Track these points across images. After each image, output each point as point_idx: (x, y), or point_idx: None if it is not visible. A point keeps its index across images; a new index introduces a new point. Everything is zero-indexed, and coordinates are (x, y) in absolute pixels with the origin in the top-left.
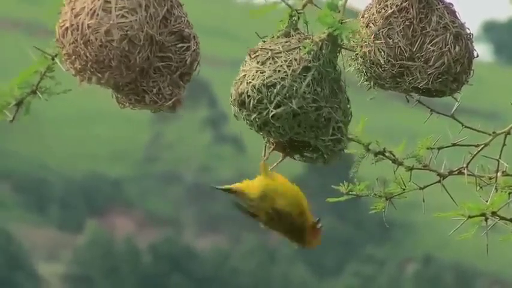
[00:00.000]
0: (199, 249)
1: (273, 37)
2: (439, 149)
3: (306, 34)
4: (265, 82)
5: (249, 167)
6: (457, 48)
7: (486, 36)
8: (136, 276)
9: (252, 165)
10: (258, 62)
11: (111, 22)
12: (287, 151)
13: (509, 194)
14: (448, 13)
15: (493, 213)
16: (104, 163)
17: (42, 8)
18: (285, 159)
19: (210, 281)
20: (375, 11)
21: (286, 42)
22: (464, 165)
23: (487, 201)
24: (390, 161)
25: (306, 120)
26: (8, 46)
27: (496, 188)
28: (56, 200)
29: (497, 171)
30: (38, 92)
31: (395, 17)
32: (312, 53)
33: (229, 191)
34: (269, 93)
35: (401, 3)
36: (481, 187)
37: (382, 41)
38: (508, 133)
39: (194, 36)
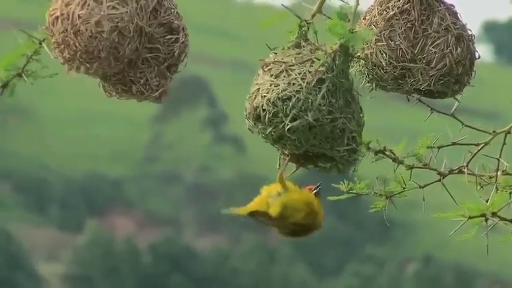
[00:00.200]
0: (199, 249)
1: (284, 48)
2: (439, 147)
3: (317, 44)
4: (280, 95)
5: (250, 167)
6: (459, 49)
7: (486, 37)
8: (137, 276)
9: (253, 165)
10: (271, 75)
11: (101, 13)
12: (301, 162)
13: (509, 193)
14: (449, 15)
15: (493, 214)
16: (104, 163)
17: (42, 8)
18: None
19: (210, 281)
20: (376, 13)
21: (298, 54)
22: (465, 164)
23: (487, 201)
24: (390, 160)
25: (322, 132)
26: (8, 46)
27: (496, 188)
28: (56, 200)
29: (497, 170)
30: (23, 75)
31: (397, 19)
32: (326, 64)
33: (248, 214)
34: (284, 107)
35: (402, 5)
36: (481, 186)
37: (384, 43)
38: (508, 132)
39: (183, 28)
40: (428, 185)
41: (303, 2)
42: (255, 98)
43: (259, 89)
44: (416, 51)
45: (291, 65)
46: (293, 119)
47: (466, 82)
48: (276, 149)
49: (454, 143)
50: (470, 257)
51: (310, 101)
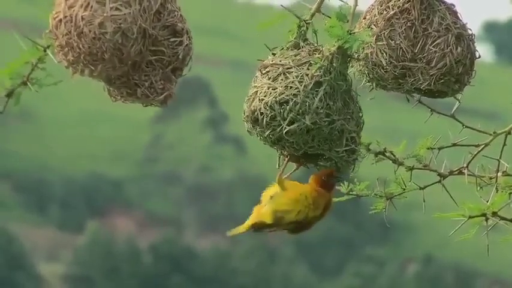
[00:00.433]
0: (199, 249)
1: (282, 49)
2: (439, 149)
3: (316, 45)
4: (277, 99)
5: (250, 167)
6: (459, 49)
7: (487, 37)
8: (137, 277)
9: (253, 166)
10: (269, 78)
11: (104, 14)
12: (301, 161)
13: (509, 194)
14: (449, 14)
15: (494, 214)
16: (105, 163)
17: (42, 8)
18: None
19: (210, 281)
20: (376, 13)
21: (296, 55)
22: (465, 165)
23: (487, 202)
24: (391, 161)
25: (320, 135)
26: (8, 46)
27: (496, 188)
28: (56, 200)
29: (497, 171)
30: (28, 83)
31: (397, 19)
32: (323, 67)
33: (248, 229)
34: (282, 110)
35: (403, 5)
36: (481, 187)
37: (384, 42)
38: (509, 133)
39: (187, 31)
40: (428, 186)
41: (302, 1)
42: (252, 101)
43: (257, 91)
44: (416, 51)
45: (288, 68)
46: (290, 123)
47: (467, 81)
48: (276, 150)
49: (454, 144)
50: (471, 257)
51: (307, 104)
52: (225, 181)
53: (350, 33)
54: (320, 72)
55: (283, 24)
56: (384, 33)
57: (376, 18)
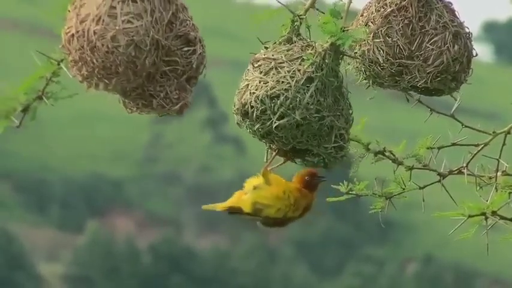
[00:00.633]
0: (199, 249)
1: (275, 43)
2: (439, 148)
3: (308, 41)
4: (268, 93)
5: (250, 167)
6: (456, 47)
7: (486, 37)
8: (137, 277)
9: (253, 166)
10: (261, 72)
11: (117, 28)
12: (289, 155)
13: (509, 193)
14: (447, 12)
15: (493, 213)
16: (104, 163)
17: (42, 8)
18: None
19: (210, 281)
20: (374, 10)
21: (289, 50)
22: (464, 165)
23: (487, 201)
24: (390, 161)
25: (309, 130)
26: (8, 46)
27: (496, 188)
28: (56, 200)
29: (497, 170)
30: (44, 97)
31: (394, 16)
32: (315, 63)
33: (226, 210)
34: (272, 105)
35: (400, 2)
36: (480, 187)
37: (381, 39)
38: (508, 133)
39: (200, 40)
40: (428, 185)
41: None
42: (243, 94)
43: (248, 85)
44: (413, 48)
45: (280, 62)
46: (280, 117)
47: (463, 80)
48: (264, 143)
49: (453, 144)
50: (470, 256)
51: (298, 99)
52: (225, 181)
53: (343, 30)
54: (312, 68)
55: (282, 26)
56: (381, 31)
57: (373, 15)
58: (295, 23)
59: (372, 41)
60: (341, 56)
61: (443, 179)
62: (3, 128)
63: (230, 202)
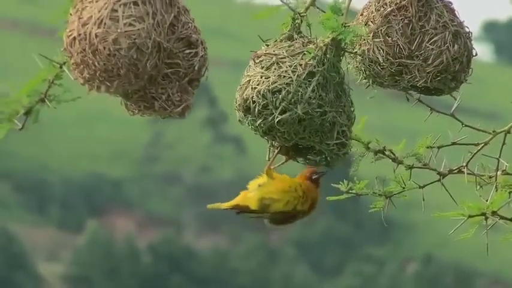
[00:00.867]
0: (199, 249)
1: (276, 40)
2: (439, 147)
3: (309, 38)
4: (270, 88)
5: (250, 167)
6: (456, 46)
7: (486, 36)
8: (136, 277)
9: (253, 166)
10: (262, 67)
11: (118, 31)
12: (291, 154)
13: (509, 193)
14: (447, 11)
15: (493, 213)
16: (104, 163)
17: (42, 8)
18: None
19: (210, 281)
20: (374, 9)
21: (290, 46)
22: (464, 164)
23: (487, 201)
24: (390, 160)
25: (311, 125)
26: (8, 46)
27: (496, 187)
28: (56, 200)
29: (497, 170)
30: (46, 100)
31: (394, 15)
32: (317, 58)
33: (232, 209)
34: (274, 99)
35: (400, 2)
36: (480, 186)
37: (381, 39)
38: (508, 132)
39: (202, 42)
40: (427, 185)
41: None
42: (245, 90)
43: (249, 80)
44: (413, 48)
45: (282, 58)
46: (282, 112)
47: (463, 79)
48: (266, 141)
49: (453, 143)
50: (470, 256)
51: (300, 94)
52: (225, 181)
53: (344, 26)
54: (313, 62)
55: (283, 24)
56: (381, 30)
57: (373, 14)
58: (296, 21)
59: (372, 41)
60: (342, 52)
61: (443, 178)
62: (6, 131)
63: (236, 201)
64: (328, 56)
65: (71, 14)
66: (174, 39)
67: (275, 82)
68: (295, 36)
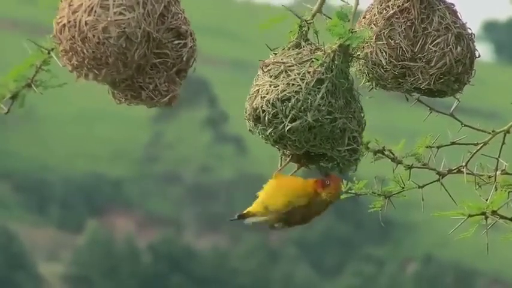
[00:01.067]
0: (199, 249)
1: (284, 49)
2: (438, 147)
3: (317, 45)
4: (279, 96)
5: (250, 167)
6: (459, 48)
7: (486, 36)
8: (136, 276)
9: (254, 166)
10: (271, 76)
11: (108, 19)
12: (302, 162)
13: (508, 192)
14: (449, 13)
15: (493, 212)
16: (104, 163)
17: (42, 8)
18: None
19: (210, 281)
20: (376, 12)
21: (298, 54)
22: (464, 164)
23: (486, 200)
24: (389, 160)
25: (322, 133)
26: (8, 46)
27: (495, 187)
28: (56, 200)
29: (496, 169)
30: (33, 85)
31: (396, 18)
32: (325, 65)
33: (242, 217)
34: (284, 107)
35: (402, 4)
36: (480, 186)
37: (384, 41)
38: (508, 132)
39: (191, 33)
40: (427, 184)
41: (303, 1)
42: (254, 99)
43: (258, 90)
44: (416, 50)
45: (290, 66)
46: (292, 120)
47: (466, 81)
48: (277, 149)
49: (453, 143)
50: (470, 256)
51: (309, 101)
52: (225, 181)
53: (351, 32)
54: (322, 69)
55: (283, 24)
56: (384, 33)
57: (375, 17)
58: (303, 28)
59: (375, 43)
60: (350, 58)
61: (442, 178)
62: None
63: (249, 209)
64: (336, 62)
65: (61, 1)
66: (164, 30)
67: (284, 90)
68: (303, 43)
